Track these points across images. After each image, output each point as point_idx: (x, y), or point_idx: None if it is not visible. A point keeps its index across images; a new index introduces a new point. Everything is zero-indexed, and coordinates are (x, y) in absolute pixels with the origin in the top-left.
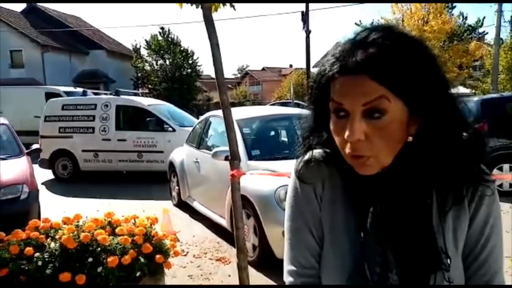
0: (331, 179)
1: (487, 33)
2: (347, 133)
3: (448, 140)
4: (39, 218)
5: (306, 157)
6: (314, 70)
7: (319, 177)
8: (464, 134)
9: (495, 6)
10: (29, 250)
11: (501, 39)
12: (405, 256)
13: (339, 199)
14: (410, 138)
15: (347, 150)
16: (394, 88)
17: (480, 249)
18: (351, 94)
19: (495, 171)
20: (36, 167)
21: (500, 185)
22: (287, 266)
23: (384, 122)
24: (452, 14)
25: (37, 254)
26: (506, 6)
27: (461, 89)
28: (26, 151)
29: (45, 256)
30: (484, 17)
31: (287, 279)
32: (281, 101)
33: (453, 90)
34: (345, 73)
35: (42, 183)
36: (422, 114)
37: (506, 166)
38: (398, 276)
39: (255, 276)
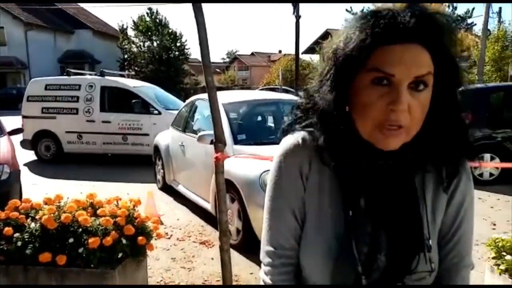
0: (318, 160)
1: (475, 24)
2: (395, 103)
3: (444, 122)
4: (20, 199)
5: (292, 138)
6: (304, 57)
7: (307, 157)
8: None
9: None
10: (8, 230)
11: (489, 30)
12: (395, 237)
13: (326, 180)
14: None
15: (384, 120)
16: (439, 61)
17: (454, 232)
18: (405, 64)
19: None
20: (18, 147)
21: (481, 175)
22: (265, 247)
23: (424, 96)
24: (442, 4)
25: (16, 234)
26: None
27: None
28: (8, 130)
29: (25, 236)
30: (474, 8)
31: (265, 259)
32: (269, 86)
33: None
34: (398, 40)
35: (24, 164)
36: (437, 94)
37: (487, 156)
38: (386, 257)
39: (238, 260)
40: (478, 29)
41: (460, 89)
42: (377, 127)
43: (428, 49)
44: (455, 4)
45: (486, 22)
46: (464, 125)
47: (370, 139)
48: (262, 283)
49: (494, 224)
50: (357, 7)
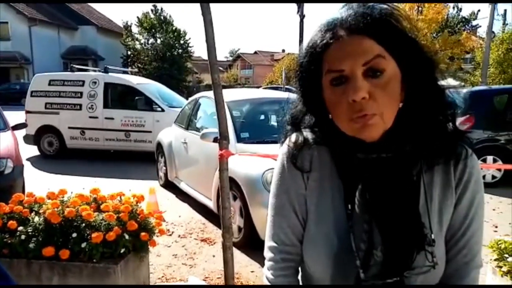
0: (320, 158)
1: (480, 26)
2: (351, 94)
3: (427, 112)
4: (23, 193)
5: (295, 136)
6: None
7: (308, 156)
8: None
9: None
10: (12, 223)
11: (493, 32)
12: (389, 233)
13: (327, 177)
14: (400, 104)
15: (351, 113)
16: (390, 46)
17: (464, 232)
18: (350, 55)
19: (478, 163)
20: (21, 142)
21: (483, 177)
22: (268, 242)
23: (384, 80)
24: (447, 5)
25: (20, 228)
26: None
27: (451, 81)
28: (11, 125)
29: (29, 230)
30: (479, 10)
31: (267, 254)
32: (272, 85)
33: (442, 78)
34: (341, 37)
35: (27, 159)
36: (408, 81)
37: (489, 158)
38: (382, 253)
39: (239, 257)
40: (482, 31)
41: (440, 79)
42: (351, 121)
43: (369, 35)
44: (460, 6)
45: (490, 24)
46: (446, 113)
47: (351, 133)
48: (264, 279)
49: (496, 227)
50: None
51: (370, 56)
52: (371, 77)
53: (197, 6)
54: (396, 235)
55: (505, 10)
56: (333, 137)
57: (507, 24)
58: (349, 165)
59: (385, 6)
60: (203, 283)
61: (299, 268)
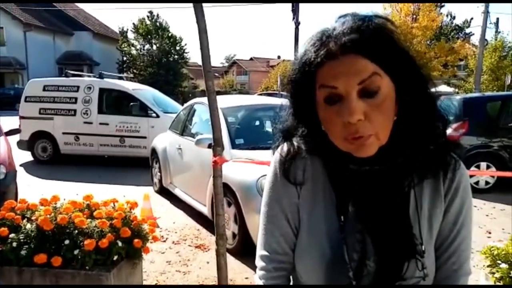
0: (313, 167)
1: (473, 34)
2: (346, 115)
3: (420, 124)
4: (16, 199)
5: (287, 146)
6: (291, 64)
7: (301, 166)
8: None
9: (482, 6)
10: (3, 230)
11: (486, 40)
12: (382, 244)
13: (319, 187)
14: (395, 117)
15: (346, 134)
16: (384, 64)
17: (453, 239)
18: (344, 74)
19: (472, 169)
20: (14, 148)
21: (477, 183)
22: (260, 251)
23: (380, 99)
24: (441, 13)
25: (12, 235)
26: (492, 7)
27: (445, 88)
28: (4, 131)
29: (20, 237)
30: (472, 18)
31: (259, 263)
32: (267, 92)
33: (434, 88)
34: (335, 56)
35: (21, 165)
36: (402, 95)
37: (483, 165)
38: (375, 263)
39: (233, 264)
40: (476, 39)
41: (432, 89)
42: (345, 140)
43: (364, 54)
44: (453, 14)
45: (483, 32)
46: (438, 124)
47: (345, 150)
48: None
49: (489, 233)
50: (358, 8)
51: (365, 75)
52: (367, 97)
53: (192, 12)
54: (388, 245)
55: (497, 19)
56: (326, 148)
57: (499, 32)
58: (341, 176)
59: (380, 19)
60: None
61: (291, 277)
